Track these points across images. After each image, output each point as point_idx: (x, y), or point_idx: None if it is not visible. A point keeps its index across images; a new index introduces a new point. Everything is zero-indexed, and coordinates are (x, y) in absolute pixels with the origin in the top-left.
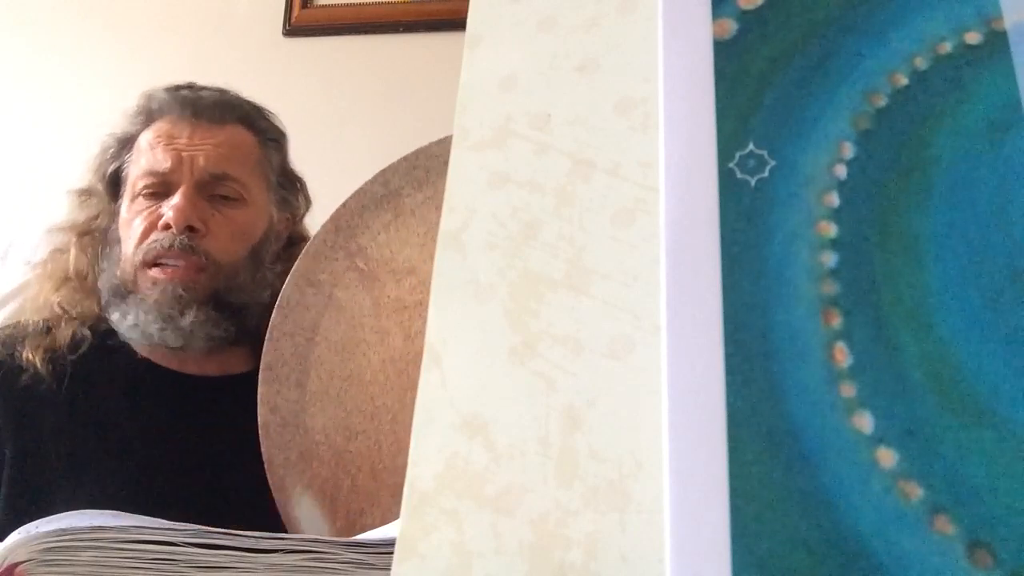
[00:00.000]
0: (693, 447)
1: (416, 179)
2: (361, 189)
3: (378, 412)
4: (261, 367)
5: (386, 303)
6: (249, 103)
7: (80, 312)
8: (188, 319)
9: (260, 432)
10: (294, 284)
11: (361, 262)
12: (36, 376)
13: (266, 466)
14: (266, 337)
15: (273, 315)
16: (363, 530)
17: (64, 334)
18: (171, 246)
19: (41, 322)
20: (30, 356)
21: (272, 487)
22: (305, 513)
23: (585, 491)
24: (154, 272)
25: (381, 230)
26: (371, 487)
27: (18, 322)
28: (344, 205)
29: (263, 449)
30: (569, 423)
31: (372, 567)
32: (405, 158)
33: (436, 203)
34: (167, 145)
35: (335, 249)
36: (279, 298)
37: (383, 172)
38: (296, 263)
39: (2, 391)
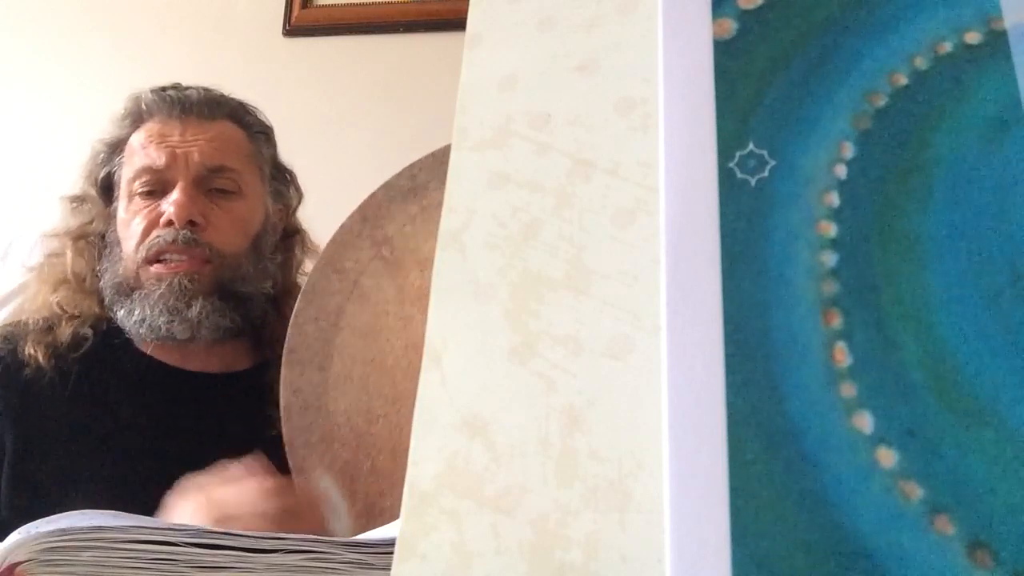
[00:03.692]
0: (693, 447)
1: (443, 174)
2: (388, 182)
3: (400, 396)
4: (284, 350)
5: (410, 291)
6: (234, 99)
7: (80, 312)
8: (195, 310)
9: (282, 414)
10: (320, 270)
11: (387, 251)
12: (38, 372)
13: (287, 447)
14: (290, 321)
15: (298, 300)
16: (382, 511)
17: (64, 332)
18: (174, 240)
19: (41, 320)
20: (32, 352)
21: (292, 468)
22: (324, 494)
23: (585, 491)
24: (156, 268)
25: (407, 222)
26: (391, 469)
27: (19, 320)
28: (372, 196)
29: (284, 430)
30: (569, 423)
31: (372, 567)
32: (432, 154)
33: None
34: (160, 143)
35: (361, 238)
36: (305, 284)
37: (410, 167)
38: (324, 249)
39: (4, 386)
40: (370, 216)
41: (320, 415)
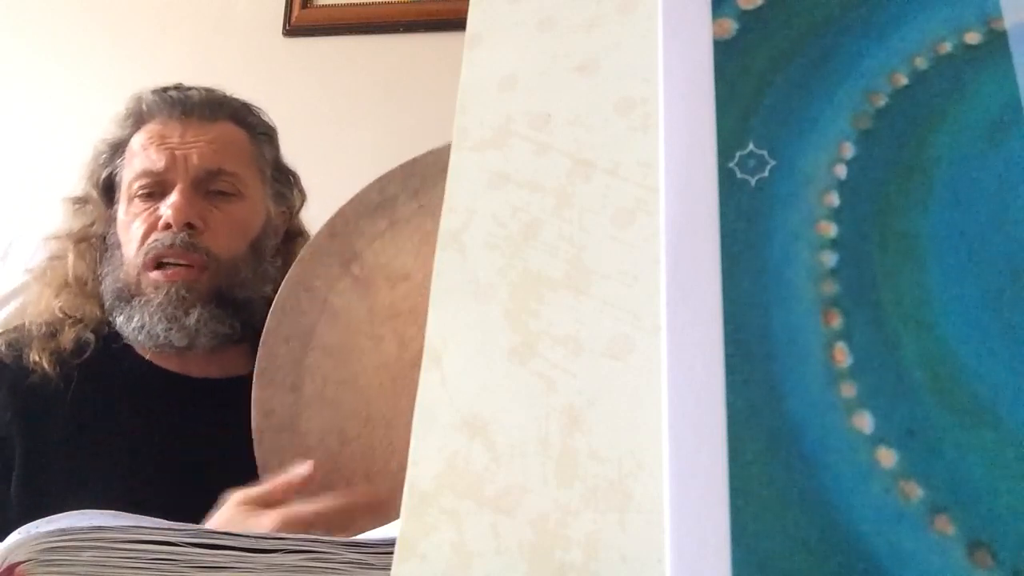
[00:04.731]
0: (693, 447)
1: (411, 187)
2: (357, 196)
3: (373, 417)
4: (255, 371)
5: (380, 309)
6: (237, 100)
7: (83, 316)
8: (193, 318)
9: (254, 436)
10: (289, 289)
11: (356, 268)
12: (44, 377)
13: (260, 470)
14: (260, 342)
15: (268, 319)
16: (357, 533)
17: (68, 337)
18: (172, 244)
19: (45, 326)
20: (37, 358)
21: None
22: None
23: (585, 491)
24: (155, 275)
25: (376, 237)
26: None
27: (21, 325)
28: (340, 212)
29: (256, 454)
30: (569, 423)
31: (372, 567)
32: (401, 167)
33: (431, 211)
34: (160, 145)
35: (330, 255)
36: (274, 303)
37: (379, 180)
38: (291, 268)
39: (11, 392)
40: (339, 232)
41: (293, 437)
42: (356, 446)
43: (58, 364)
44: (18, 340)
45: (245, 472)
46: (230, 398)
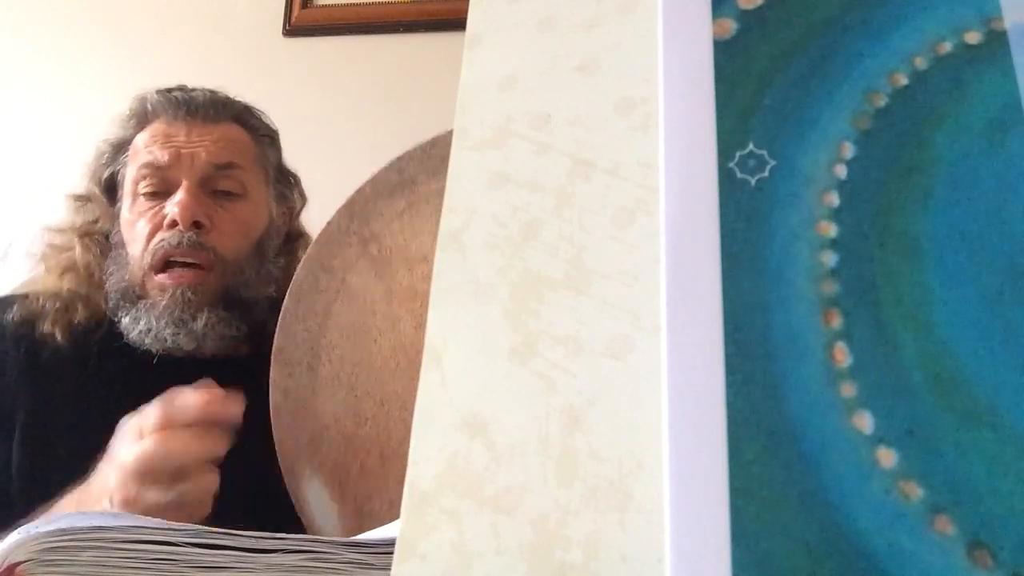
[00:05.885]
0: (693, 447)
1: (431, 168)
2: (375, 176)
3: (388, 398)
4: (273, 350)
5: (398, 290)
6: (240, 102)
7: (89, 298)
8: (200, 322)
9: (272, 414)
10: (307, 269)
11: (374, 249)
12: (57, 352)
13: (276, 447)
14: (279, 321)
15: (286, 299)
16: (370, 512)
17: (81, 315)
18: (179, 243)
19: (57, 299)
20: (49, 329)
21: (283, 469)
22: (314, 495)
23: (585, 491)
24: (161, 278)
25: (395, 218)
26: (379, 472)
27: (25, 296)
28: (359, 191)
29: (274, 431)
30: (569, 423)
31: (372, 567)
32: (420, 146)
33: None
34: (164, 143)
35: (348, 235)
36: (292, 282)
37: (398, 160)
38: (310, 248)
39: (24, 365)
40: (357, 212)
41: (309, 416)
42: (371, 427)
43: (71, 338)
44: (32, 314)
45: (252, 459)
46: (232, 375)
